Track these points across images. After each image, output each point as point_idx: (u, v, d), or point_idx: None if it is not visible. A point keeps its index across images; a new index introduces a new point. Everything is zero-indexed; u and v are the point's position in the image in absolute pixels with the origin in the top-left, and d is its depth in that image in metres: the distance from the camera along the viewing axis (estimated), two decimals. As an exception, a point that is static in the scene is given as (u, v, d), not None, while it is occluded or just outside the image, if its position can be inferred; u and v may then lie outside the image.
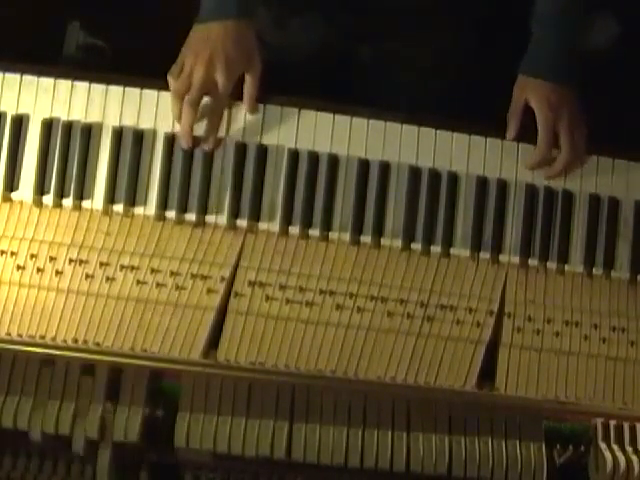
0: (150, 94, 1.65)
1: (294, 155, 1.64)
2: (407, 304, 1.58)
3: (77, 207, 1.61)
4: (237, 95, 1.64)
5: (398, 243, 1.63)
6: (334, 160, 1.64)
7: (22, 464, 1.51)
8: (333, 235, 1.63)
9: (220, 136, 1.63)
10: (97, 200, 1.62)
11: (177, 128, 1.63)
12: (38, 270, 1.55)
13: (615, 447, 1.51)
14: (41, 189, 1.62)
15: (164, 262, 1.57)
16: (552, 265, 1.64)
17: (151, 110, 1.64)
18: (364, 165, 1.64)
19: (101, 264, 1.56)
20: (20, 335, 1.50)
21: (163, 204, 1.62)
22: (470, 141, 1.66)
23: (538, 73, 1.66)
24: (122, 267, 1.56)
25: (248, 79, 1.64)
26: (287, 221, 1.62)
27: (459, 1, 1.80)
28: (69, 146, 1.63)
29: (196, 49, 1.62)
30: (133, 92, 1.64)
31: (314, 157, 1.64)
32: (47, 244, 1.57)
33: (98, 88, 1.64)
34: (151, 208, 1.62)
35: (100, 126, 1.64)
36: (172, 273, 1.56)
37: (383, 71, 1.85)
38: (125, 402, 1.49)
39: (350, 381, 1.52)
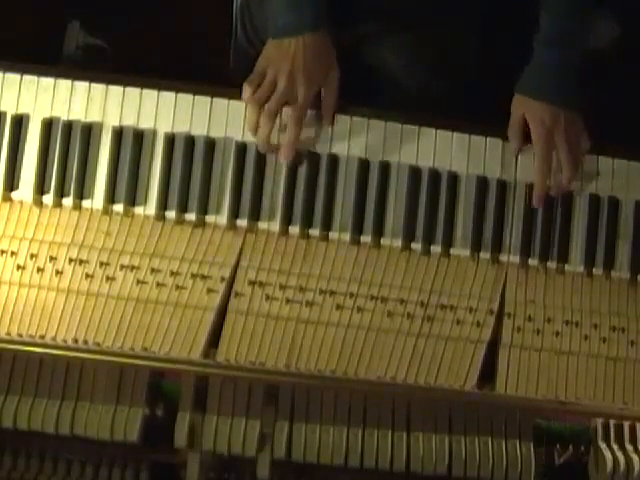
0: (150, 94, 1.65)
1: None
2: (407, 304, 1.58)
3: (77, 207, 1.62)
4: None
5: (398, 243, 1.63)
6: (334, 160, 1.64)
7: (22, 464, 1.51)
8: (333, 235, 1.63)
9: (299, 147, 1.63)
10: (97, 200, 1.62)
11: (248, 137, 1.63)
12: (38, 270, 1.55)
13: (615, 447, 1.51)
14: (41, 189, 1.62)
15: (164, 262, 1.57)
16: (552, 265, 1.64)
17: (151, 110, 1.64)
18: (364, 165, 1.64)
19: (101, 264, 1.56)
20: (20, 335, 1.50)
21: (163, 204, 1.62)
22: (470, 141, 1.66)
23: (533, 93, 1.65)
24: (122, 267, 1.56)
25: (326, 91, 1.64)
26: (287, 221, 1.62)
27: (459, 1, 1.80)
28: (69, 146, 1.63)
29: (277, 61, 1.63)
30: (133, 92, 1.64)
31: (314, 157, 1.64)
32: (47, 244, 1.57)
33: (98, 88, 1.64)
34: (151, 208, 1.62)
35: (100, 126, 1.64)
36: (172, 273, 1.56)
37: (383, 71, 1.85)
38: (125, 402, 1.49)
39: (350, 381, 1.52)
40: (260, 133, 1.61)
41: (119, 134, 1.63)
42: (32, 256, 1.56)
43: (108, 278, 1.55)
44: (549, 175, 1.64)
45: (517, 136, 1.66)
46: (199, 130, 1.64)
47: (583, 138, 1.66)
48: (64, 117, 1.63)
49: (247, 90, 1.62)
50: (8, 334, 1.50)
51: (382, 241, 1.63)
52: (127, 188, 1.62)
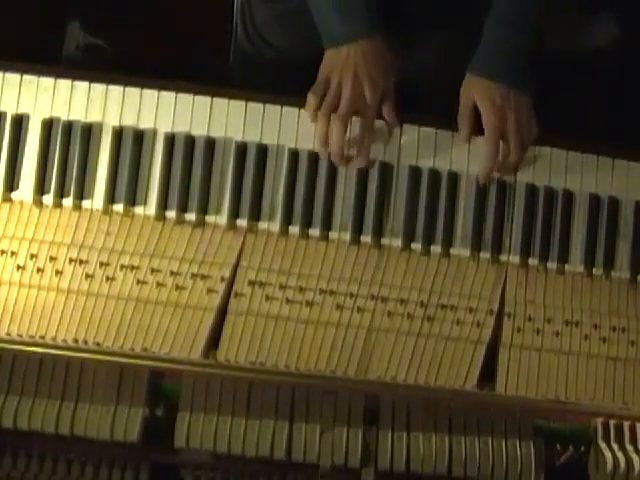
0: (150, 94, 1.65)
1: (294, 155, 1.64)
2: (407, 304, 1.58)
3: (77, 207, 1.62)
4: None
5: (398, 243, 1.63)
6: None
7: (22, 464, 1.51)
8: (333, 235, 1.63)
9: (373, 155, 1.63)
10: (97, 200, 1.62)
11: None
12: (38, 270, 1.55)
13: (615, 447, 1.51)
14: (41, 189, 1.62)
15: (164, 262, 1.57)
16: (552, 265, 1.64)
17: (151, 110, 1.64)
18: (364, 165, 1.65)
19: (101, 264, 1.56)
20: (20, 335, 1.51)
21: (163, 204, 1.62)
22: (470, 141, 1.66)
23: (484, 73, 1.64)
24: (122, 267, 1.56)
25: (386, 96, 1.64)
26: (287, 221, 1.62)
27: (460, 1, 1.80)
28: (69, 146, 1.63)
29: (339, 69, 1.62)
30: (133, 92, 1.64)
31: (314, 157, 1.64)
32: (47, 244, 1.57)
33: (98, 88, 1.64)
34: (151, 208, 1.62)
35: (100, 126, 1.64)
36: (172, 273, 1.56)
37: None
38: (125, 402, 1.49)
39: (350, 381, 1.52)
40: (334, 143, 1.61)
41: (119, 134, 1.63)
42: (32, 256, 1.56)
43: (108, 278, 1.55)
44: (497, 156, 1.63)
45: (467, 123, 1.65)
46: (199, 130, 1.64)
47: (532, 123, 1.65)
48: (64, 117, 1.63)
49: (312, 101, 1.62)
50: (8, 334, 1.50)
51: (382, 241, 1.63)
52: (127, 188, 1.62)
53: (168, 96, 1.64)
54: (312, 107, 1.63)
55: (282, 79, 1.66)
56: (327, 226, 1.63)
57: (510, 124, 1.62)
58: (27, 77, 1.64)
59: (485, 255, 1.64)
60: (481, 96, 1.63)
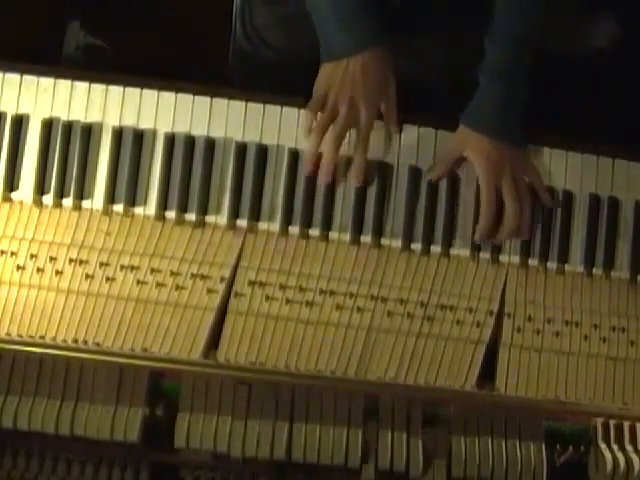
0: (150, 94, 1.65)
1: (294, 155, 1.64)
2: (407, 304, 1.58)
3: (77, 207, 1.62)
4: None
5: (398, 243, 1.63)
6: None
7: (22, 464, 1.51)
8: (333, 235, 1.63)
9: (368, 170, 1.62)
10: (97, 200, 1.62)
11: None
12: (38, 270, 1.55)
13: (615, 447, 1.51)
14: (41, 189, 1.62)
15: (164, 262, 1.57)
16: (552, 265, 1.64)
17: (151, 110, 1.64)
18: (364, 165, 1.65)
19: (101, 264, 1.56)
20: (20, 335, 1.51)
21: (163, 204, 1.62)
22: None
23: (479, 127, 1.63)
24: (122, 267, 1.56)
25: (388, 107, 1.63)
26: (287, 221, 1.62)
27: (460, 1, 1.79)
28: (69, 146, 1.63)
29: (336, 84, 1.61)
30: (133, 92, 1.64)
31: (314, 157, 1.64)
32: (47, 244, 1.57)
33: (98, 88, 1.64)
34: (151, 208, 1.62)
35: (100, 126, 1.64)
36: (172, 273, 1.56)
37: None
38: (125, 402, 1.49)
39: (350, 381, 1.53)
40: (325, 162, 1.60)
41: (119, 134, 1.63)
42: (32, 256, 1.56)
43: (108, 278, 1.55)
44: (494, 213, 1.62)
45: (444, 166, 1.63)
46: (199, 130, 1.64)
47: (530, 169, 1.64)
48: (64, 117, 1.63)
49: (308, 118, 1.62)
50: (8, 334, 1.50)
51: (382, 241, 1.63)
52: (127, 188, 1.62)
53: (168, 96, 1.64)
54: (307, 124, 1.62)
55: (282, 81, 1.66)
56: (327, 226, 1.63)
57: (507, 180, 1.61)
58: (27, 77, 1.64)
59: (485, 255, 1.64)
60: (475, 150, 1.62)
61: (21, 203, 1.62)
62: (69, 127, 1.63)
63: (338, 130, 1.61)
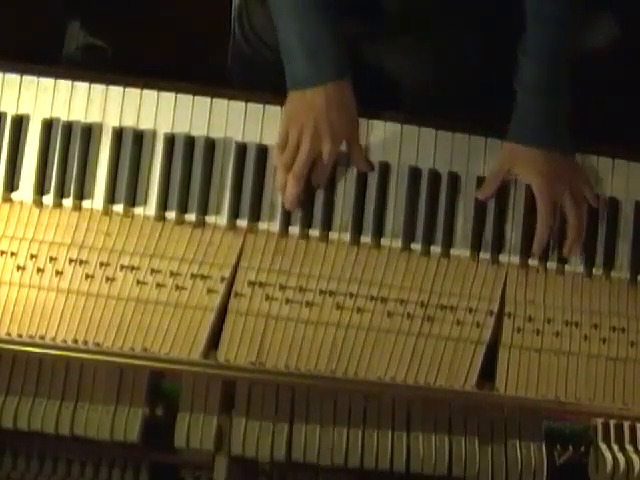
0: (150, 94, 1.65)
1: (294, 155, 1.64)
2: (407, 304, 1.58)
3: (77, 207, 1.62)
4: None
5: (398, 243, 1.63)
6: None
7: (22, 464, 1.51)
8: (333, 235, 1.63)
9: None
10: (97, 200, 1.62)
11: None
12: (38, 270, 1.55)
13: (615, 447, 1.51)
14: (41, 189, 1.62)
15: (164, 262, 1.57)
16: (552, 265, 1.64)
17: (151, 110, 1.64)
18: (364, 165, 1.65)
19: (101, 264, 1.56)
20: (20, 335, 1.51)
21: (163, 204, 1.62)
22: (470, 141, 1.66)
23: (529, 140, 1.62)
24: (122, 267, 1.56)
25: (352, 146, 1.62)
26: (287, 221, 1.62)
27: (460, 1, 1.80)
28: (69, 146, 1.63)
29: (299, 119, 1.60)
30: (133, 92, 1.64)
31: (313, 157, 1.64)
32: (47, 244, 1.57)
33: (98, 88, 1.64)
34: (151, 208, 1.62)
35: (100, 126, 1.64)
36: (172, 273, 1.56)
37: (384, 71, 1.85)
38: (125, 402, 1.49)
39: (350, 381, 1.53)
40: (288, 195, 1.60)
41: (119, 135, 1.63)
42: (32, 256, 1.56)
43: (108, 278, 1.55)
44: (552, 228, 1.62)
45: (494, 185, 1.63)
46: (199, 130, 1.64)
47: (581, 176, 1.64)
48: (64, 118, 1.63)
49: (276, 154, 1.61)
50: (8, 334, 1.50)
51: (382, 241, 1.63)
52: (127, 189, 1.62)
53: (168, 96, 1.64)
54: (275, 160, 1.62)
55: (280, 81, 1.66)
56: (327, 226, 1.63)
57: (565, 193, 1.61)
58: (27, 77, 1.64)
59: (485, 255, 1.64)
60: (526, 166, 1.61)
61: (21, 203, 1.62)
62: (69, 127, 1.63)
63: (299, 168, 1.60)
